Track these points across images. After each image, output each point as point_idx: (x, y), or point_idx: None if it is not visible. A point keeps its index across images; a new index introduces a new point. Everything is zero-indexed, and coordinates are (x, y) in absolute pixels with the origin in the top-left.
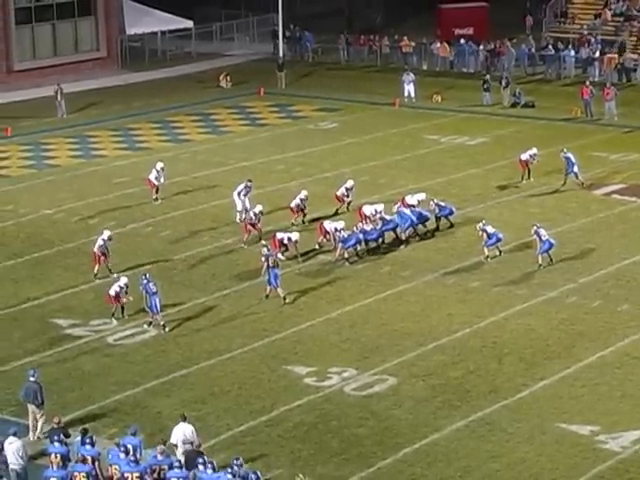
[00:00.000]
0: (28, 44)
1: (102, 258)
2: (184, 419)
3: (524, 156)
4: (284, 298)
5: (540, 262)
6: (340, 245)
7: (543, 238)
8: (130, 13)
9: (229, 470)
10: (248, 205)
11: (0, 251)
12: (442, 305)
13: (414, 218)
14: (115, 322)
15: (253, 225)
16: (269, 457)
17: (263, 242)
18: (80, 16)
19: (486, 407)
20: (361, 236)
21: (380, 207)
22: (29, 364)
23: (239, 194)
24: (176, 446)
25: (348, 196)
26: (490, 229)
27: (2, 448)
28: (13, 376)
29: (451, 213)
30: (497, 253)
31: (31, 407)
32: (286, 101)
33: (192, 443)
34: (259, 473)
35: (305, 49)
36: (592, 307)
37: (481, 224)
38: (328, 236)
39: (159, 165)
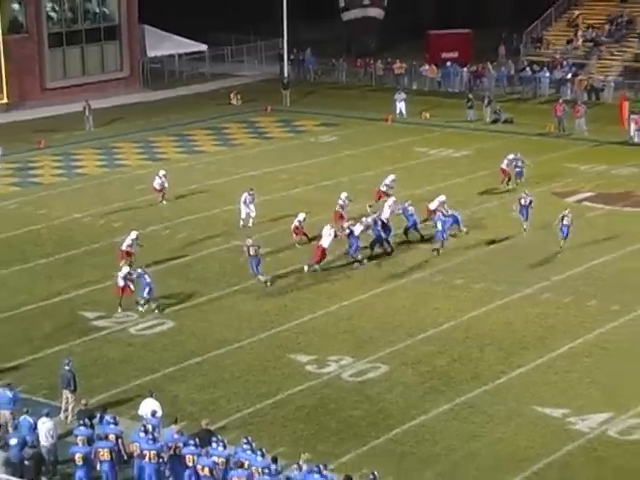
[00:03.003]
0: (60, 65)
1: (127, 256)
2: (151, 395)
3: (503, 164)
4: (265, 282)
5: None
6: (353, 245)
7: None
8: (151, 38)
9: (244, 446)
10: (253, 210)
11: (35, 251)
12: (429, 300)
13: (457, 216)
14: (120, 310)
15: (300, 231)
16: (274, 436)
17: (248, 237)
18: (106, 40)
19: (468, 392)
20: (379, 233)
21: (443, 197)
22: (60, 352)
23: (245, 202)
24: (142, 417)
25: (387, 193)
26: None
27: (36, 427)
28: (46, 363)
29: (457, 221)
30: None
31: (65, 393)
32: (290, 117)
33: (155, 414)
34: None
35: (308, 70)
36: (564, 302)
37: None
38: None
39: (161, 172)
